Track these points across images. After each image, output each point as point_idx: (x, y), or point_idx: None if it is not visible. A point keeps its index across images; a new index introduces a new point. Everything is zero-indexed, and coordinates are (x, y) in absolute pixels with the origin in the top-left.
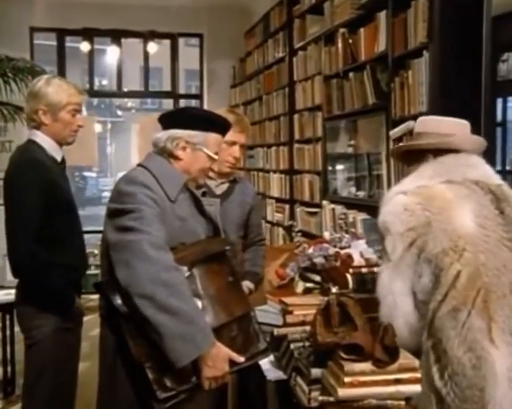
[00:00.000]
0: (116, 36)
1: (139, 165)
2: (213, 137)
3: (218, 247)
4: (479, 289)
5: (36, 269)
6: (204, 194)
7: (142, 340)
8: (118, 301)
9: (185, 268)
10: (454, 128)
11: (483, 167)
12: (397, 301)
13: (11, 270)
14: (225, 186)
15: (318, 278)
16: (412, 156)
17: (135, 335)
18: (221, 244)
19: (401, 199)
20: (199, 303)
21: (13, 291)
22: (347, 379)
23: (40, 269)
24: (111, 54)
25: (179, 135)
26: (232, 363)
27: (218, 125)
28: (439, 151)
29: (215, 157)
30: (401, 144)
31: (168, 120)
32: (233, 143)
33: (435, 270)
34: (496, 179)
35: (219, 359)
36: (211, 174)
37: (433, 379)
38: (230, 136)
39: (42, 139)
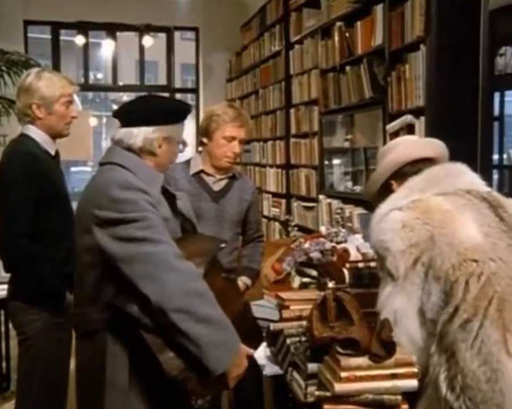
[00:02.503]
0: (111, 29)
1: (117, 164)
2: (181, 126)
3: (215, 248)
4: (491, 299)
5: (27, 263)
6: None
7: (170, 352)
8: (141, 317)
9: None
10: (397, 144)
11: (470, 175)
12: (401, 319)
13: (2, 264)
14: (223, 182)
15: (314, 273)
16: (385, 191)
17: (162, 348)
18: (215, 243)
19: (397, 215)
20: None
21: (7, 286)
22: (343, 374)
23: (32, 263)
24: (106, 48)
25: (160, 133)
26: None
27: (185, 113)
28: (402, 176)
29: (180, 146)
30: (369, 184)
31: (136, 116)
32: (233, 138)
33: (445, 286)
34: (484, 186)
35: (243, 357)
36: (210, 170)
37: (443, 393)
38: (230, 131)
39: (35, 133)
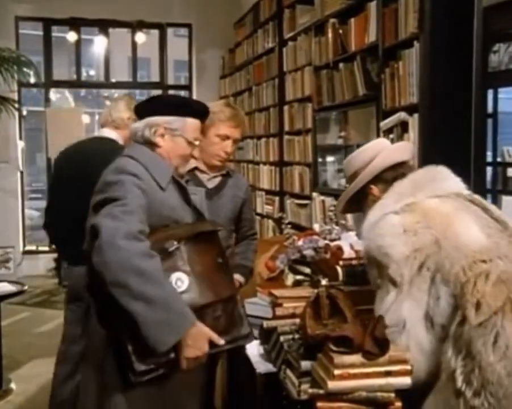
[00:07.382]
0: (104, 25)
1: (124, 155)
2: (191, 122)
3: (209, 227)
4: (508, 296)
5: None
6: (187, 182)
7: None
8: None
9: (175, 242)
10: (373, 150)
11: (454, 179)
12: (410, 327)
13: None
14: (217, 180)
15: (307, 270)
16: (361, 196)
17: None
18: (212, 225)
19: (395, 219)
20: (186, 280)
21: (0, 284)
22: (336, 372)
23: None
24: (99, 44)
25: (157, 122)
26: (212, 344)
27: (195, 109)
28: (384, 181)
29: (196, 142)
30: (344, 193)
31: (144, 109)
32: (226, 137)
33: (455, 289)
34: (464, 189)
35: (200, 339)
36: (202, 167)
37: (462, 391)
38: (224, 130)
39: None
